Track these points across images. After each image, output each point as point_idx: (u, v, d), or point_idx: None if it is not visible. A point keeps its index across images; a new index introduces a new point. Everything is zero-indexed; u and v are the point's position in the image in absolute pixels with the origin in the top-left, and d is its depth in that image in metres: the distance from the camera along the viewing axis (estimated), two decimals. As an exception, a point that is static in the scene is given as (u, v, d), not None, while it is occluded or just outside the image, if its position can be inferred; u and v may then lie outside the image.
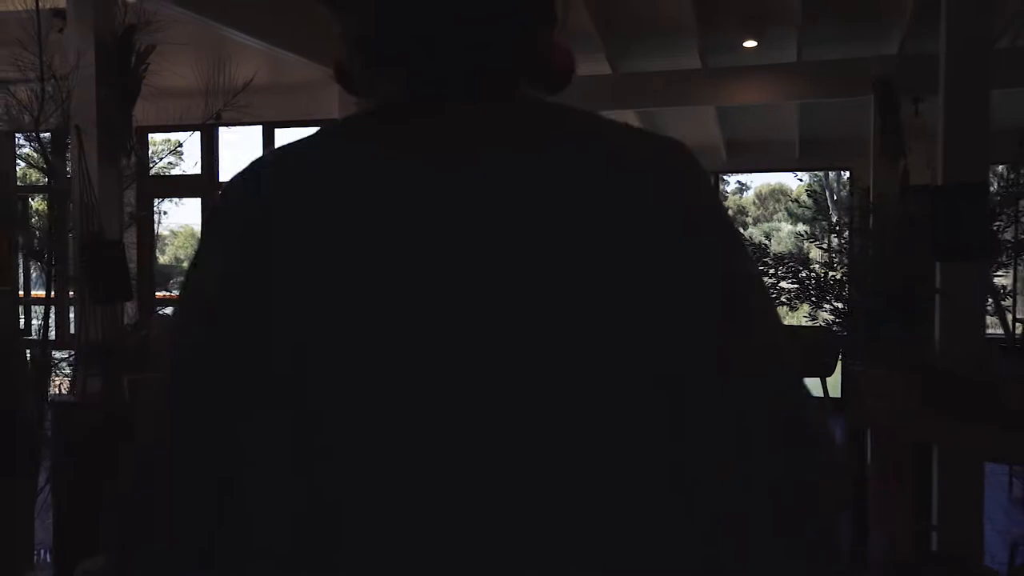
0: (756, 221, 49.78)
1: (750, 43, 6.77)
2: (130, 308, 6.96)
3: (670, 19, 6.66)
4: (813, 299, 6.58)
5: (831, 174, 49.13)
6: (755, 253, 6.78)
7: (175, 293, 8.74)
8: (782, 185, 51.13)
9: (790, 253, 6.85)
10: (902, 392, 3.67)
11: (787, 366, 0.76)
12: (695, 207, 0.78)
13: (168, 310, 7.01)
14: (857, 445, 5.21)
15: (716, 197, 0.82)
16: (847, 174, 9.68)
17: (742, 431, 0.72)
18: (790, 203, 48.08)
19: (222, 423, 0.74)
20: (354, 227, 0.73)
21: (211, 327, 0.76)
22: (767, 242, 6.84)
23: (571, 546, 0.70)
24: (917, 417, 3.66)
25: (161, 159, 7.13)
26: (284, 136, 8.09)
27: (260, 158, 0.82)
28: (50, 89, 4.22)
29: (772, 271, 6.52)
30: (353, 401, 0.71)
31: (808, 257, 6.98)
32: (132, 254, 4.94)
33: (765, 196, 51.33)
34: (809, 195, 7.43)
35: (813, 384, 9.29)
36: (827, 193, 45.83)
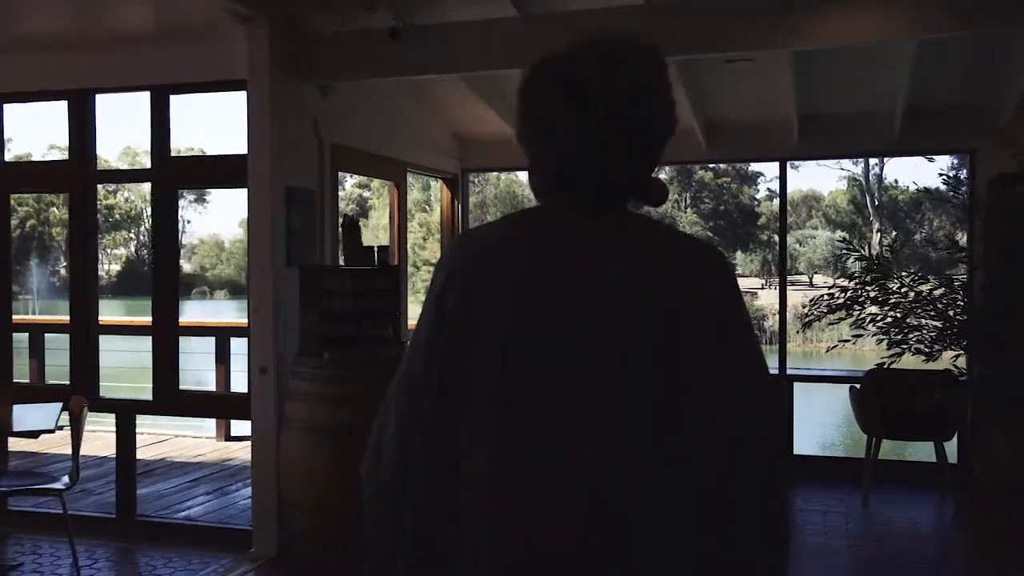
0: (789, 228, 47.16)
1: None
2: None
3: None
4: (967, 344, 4.06)
5: (871, 174, 46.05)
6: (873, 275, 4.27)
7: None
8: (815, 191, 48.47)
9: (923, 276, 4.30)
10: None
11: (760, 402, 1.30)
12: (726, 292, 1.34)
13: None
14: None
15: (739, 287, 1.37)
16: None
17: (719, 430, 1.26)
18: (827, 208, 45.26)
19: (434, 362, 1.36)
20: (504, 267, 1.34)
21: (437, 311, 1.37)
22: (889, 255, 4.27)
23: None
24: None
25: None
26: (180, 103, 5.69)
27: (471, 229, 1.61)
28: None
29: (895, 297, 4.05)
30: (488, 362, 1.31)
31: (961, 282, 4.42)
32: None
33: (798, 202, 48.71)
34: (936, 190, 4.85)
35: (924, 447, 6.72)
36: (867, 197, 42.73)
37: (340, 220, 5.23)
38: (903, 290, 4.16)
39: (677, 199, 43.93)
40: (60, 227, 51.11)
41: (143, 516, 5.59)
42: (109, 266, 53.21)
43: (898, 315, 4.15)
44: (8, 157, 6.30)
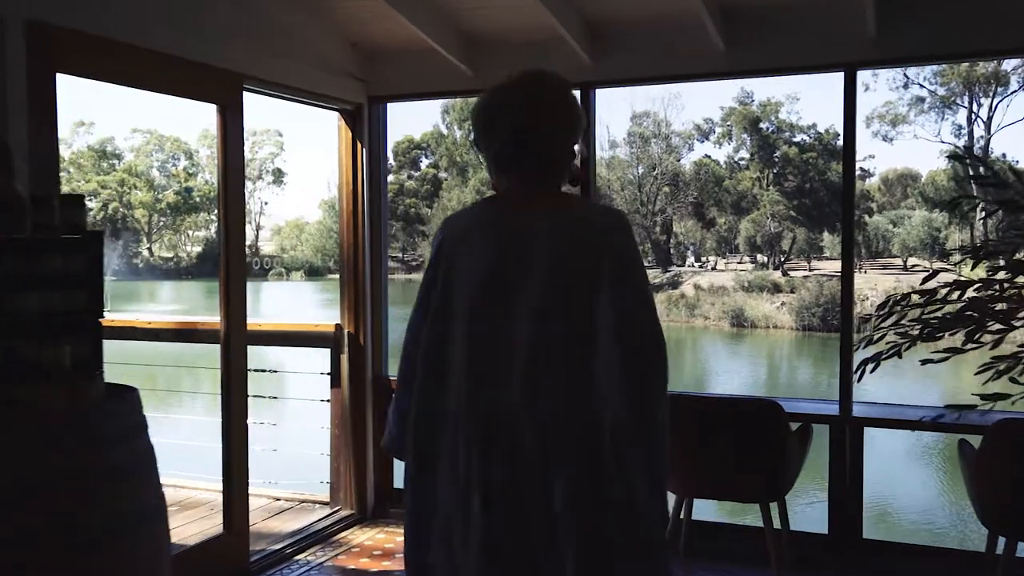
0: (881, 208, 42.89)
1: None
2: None
3: None
4: None
5: (976, 148, 41.64)
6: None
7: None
8: (911, 169, 44.25)
9: None
10: None
11: (649, 324, 1.99)
12: (622, 243, 2.03)
13: None
14: None
15: (634, 240, 2.08)
16: None
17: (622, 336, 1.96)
18: (924, 187, 41.15)
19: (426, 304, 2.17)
20: (473, 233, 2.11)
21: (431, 266, 2.16)
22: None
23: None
24: None
25: None
26: None
27: (452, 215, 2.23)
28: None
29: None
30: (458, 290, 2.10)
31: None
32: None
33: (892, 181, 44.48)
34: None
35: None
36: (969, 170, 38.46)
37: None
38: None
39: (759, 177, 40.25)
40: (143, 209, 50.61)
41: None
42: (191, 248, 52.70)
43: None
44: None
